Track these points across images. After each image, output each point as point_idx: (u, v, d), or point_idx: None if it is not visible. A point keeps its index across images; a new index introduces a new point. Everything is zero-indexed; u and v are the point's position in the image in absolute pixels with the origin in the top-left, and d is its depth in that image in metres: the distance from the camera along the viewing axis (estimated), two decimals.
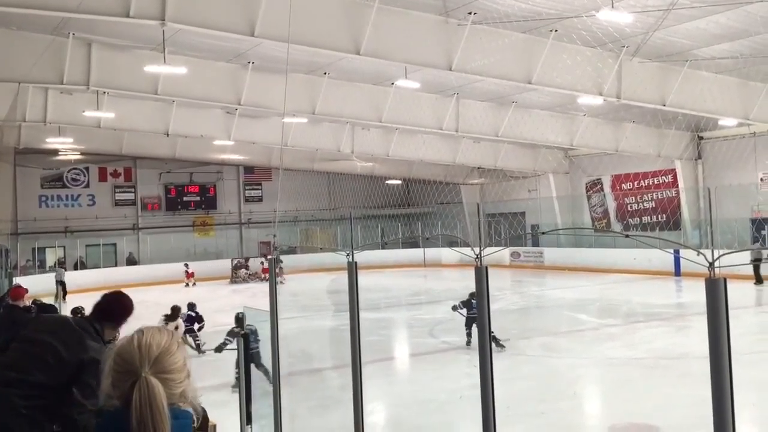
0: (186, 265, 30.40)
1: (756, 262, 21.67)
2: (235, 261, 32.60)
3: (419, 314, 19.22)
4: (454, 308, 13.99)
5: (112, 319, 3.53)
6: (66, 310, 22.81)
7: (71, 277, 26.58)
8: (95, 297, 3.65)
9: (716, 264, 1.83)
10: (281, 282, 27.18)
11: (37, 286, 21.39)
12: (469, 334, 13.26)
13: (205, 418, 5.17)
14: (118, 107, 20.80)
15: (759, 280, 21.97)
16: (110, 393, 1.67)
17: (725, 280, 1.85)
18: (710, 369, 1.95)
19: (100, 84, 17.04)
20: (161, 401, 1.61)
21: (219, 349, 9.42)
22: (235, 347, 15.33)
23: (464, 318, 13.44)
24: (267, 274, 26.04)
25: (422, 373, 12.32)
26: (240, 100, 18.93)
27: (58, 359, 3.26)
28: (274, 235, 33.27)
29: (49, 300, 21.36)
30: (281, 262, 27.48)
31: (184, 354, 1.75)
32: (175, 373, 1.69)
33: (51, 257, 32.00)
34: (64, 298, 24.73)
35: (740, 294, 19.76)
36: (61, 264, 28.69)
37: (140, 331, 1.74)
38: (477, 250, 2.73)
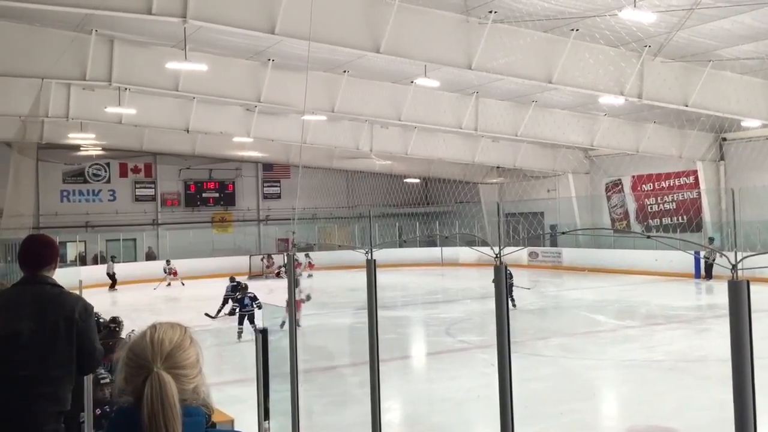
0: (167, 262, 29.05)
1: None
2: (261, 257, 32.44)
3: (436, 313, 19.19)
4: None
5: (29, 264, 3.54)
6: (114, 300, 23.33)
7: (89, 272, 26.90)
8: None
9: (739, 266, 1.81)
10: (310, 275, 27.44)
11: (58, 280, 21.59)
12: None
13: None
14: (140, 103, 20.96)
15: None
16: (123, 388, 1.67)
17: (748, 282, 1.83)
18: (732, 372, 1.93)
19: (122, 80, 17.19)
20: (173, 397, 1.60)
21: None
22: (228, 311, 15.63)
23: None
24: (285, 270, 25.99)
25: (439, 371, 12.31)
26: (260, 97, 19.02)
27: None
28: (293, 232, 33.36)
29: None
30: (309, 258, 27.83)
31: (197, 350, 1.75)
32: (188, 368, 1.69)
33: (72, 251, 32.35)
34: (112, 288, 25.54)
35: (763, 297, 19.54)
36: (112, 258, 29.09)
37: (153, 327, 1.74)
38: (496, 249, 2.72)
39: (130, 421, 1.62)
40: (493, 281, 10.97)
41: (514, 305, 18.37)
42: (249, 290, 14.61)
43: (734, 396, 1.88)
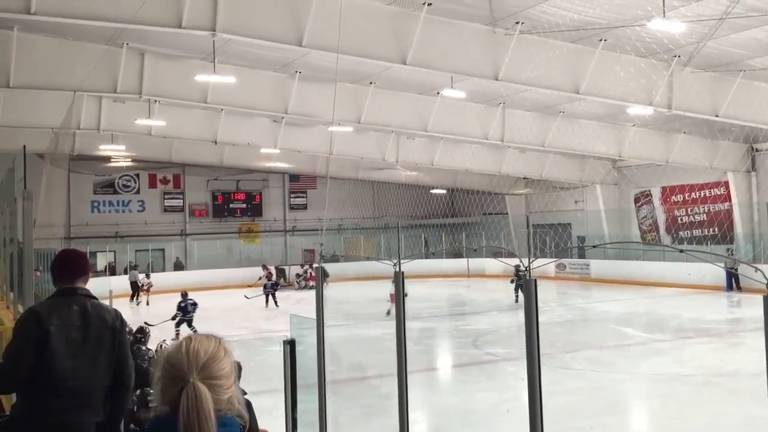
0: (147, 276, 27.70)
1: None
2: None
3: (463, 324, 19.10)
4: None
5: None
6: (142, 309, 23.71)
7: (118, 282, 27.22)
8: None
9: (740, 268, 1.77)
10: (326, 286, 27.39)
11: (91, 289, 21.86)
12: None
13: (251, 420, 5.21)
14: (169, 115, 21.25)
15: None
16: (160, 399, 1.69)
17: None
18: None
19: (152, 93, 17.45)
20: (208, 407, 1.63)
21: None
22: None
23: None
24: (310, 282, 26.22)
25: (466, 384, 12.23)
26: (287, 108, 19.17)
27: None
28: (321, 244, 33.49)
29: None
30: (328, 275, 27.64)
31: (231, 360, 1.77)
32: (223, 379, 1.71)
33: (102, 261, 32.80)
34: (136, 297, 25.69)
35: None
36: (133, 267, 29.38)
37: (188, 338, 1.78)
38: (525, 261, 2.71)
39: (166, 430, 1.64)
40: (512, 281, 11.59)
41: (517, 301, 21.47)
42: (189, 297, 17.39)
43: None
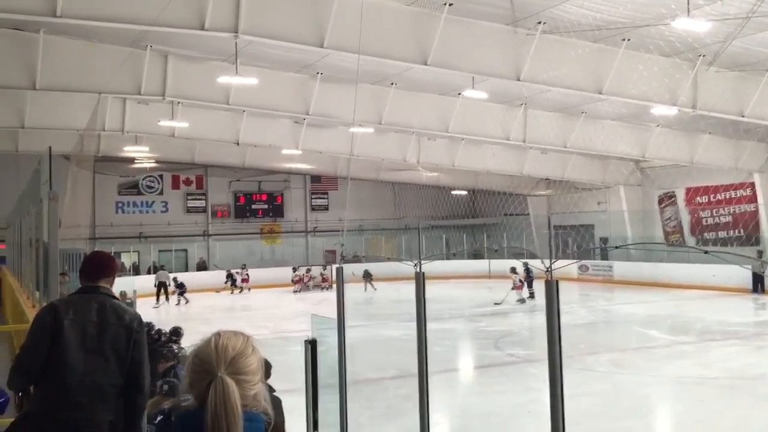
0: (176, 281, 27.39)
1: None
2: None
3: (484, 326, 19.02)
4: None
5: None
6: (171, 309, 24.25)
7: (143, 282, 27.50)
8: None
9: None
10: (375, 289, 27.60)
11: (114, 288, 22.10)
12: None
13: (279, 417, 5.25)
14: (192, 117, 21.43)
15: None
16: (188, 392, 1.72)
17: None
18: None
19: (175, 94, 17.61)
20: (236, 401, 1.65)
21: None
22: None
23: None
24: (327, 282, 26.40)
25: (487, 385, 12.17)
26: (308, 110, 19.24)
27: None
28: (342, 245, 33.56)
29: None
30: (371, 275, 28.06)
31: (258, 357, 1.80)
32: (250, 374, 1.74)
33: (126, 261, 33.15)
34: (167, 298, 26.01)
35: None
36: (161, 267, 29.80)
37: (217, 334, 1.80)
38: (547, 262, 2.69)
39: (193, 424, 1.66)
40: (521, 281, 11.55)
41: (532, 296, 22.97)
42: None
43: None
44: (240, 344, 1.77)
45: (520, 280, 22.90)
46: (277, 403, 5.24)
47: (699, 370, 12.49)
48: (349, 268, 28.50)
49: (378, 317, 20.31)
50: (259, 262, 34.76)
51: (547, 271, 2.46)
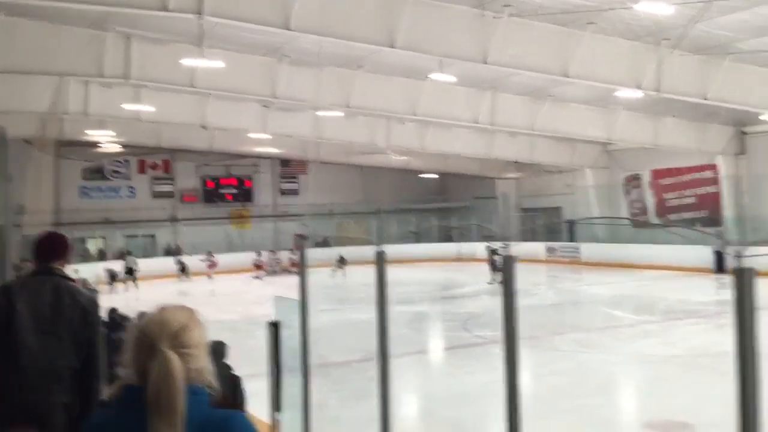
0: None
1: None
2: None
3: (453, 308, 19.17)
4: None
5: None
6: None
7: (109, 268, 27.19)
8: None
9: (746, 254, 1.80)
10: (344, 276, 27.34)
11: (79, 275, 21.86)
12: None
13: (237, 396, 5.23)
14: (157, 100, 21.11)
15: None
16: (130, 367, 1.71)
17: (753, 269, 1.81)
18: (737, 364, 1.91)
19: (140, 77, 17.30)
20: (178, 375, 1.64)
21: None
22: None
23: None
24: (297, 267, 26.33)
25: (455, 366, 12.31)
26: (275, 93, 19.06)
27: None
28: (305, 225, 33.47)
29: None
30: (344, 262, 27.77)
31: (203, 332, 1.78)
32: (194, 348, 1.72)
33: (92, 247, 32.71)
34: (135, 284, 25.78)
35: None
36: (129, 253, 29.46)
37: (161, 308, 1.79)
38: (503, 242, 2.71)
39: (135, 398, 1.65)
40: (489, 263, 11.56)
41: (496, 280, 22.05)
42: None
43: (738, 387, 1.87)
44: (184, 318, 1.76)
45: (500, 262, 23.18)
46: (236, 382, 5.25)
47: (663, 348, 12.76)
48: (319, 252, 28.64)
49: (348, 301, 20.37)
50: (229, 247, 34.52)
51: (503, 247, 2.48)
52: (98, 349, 3.53)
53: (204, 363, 1.75)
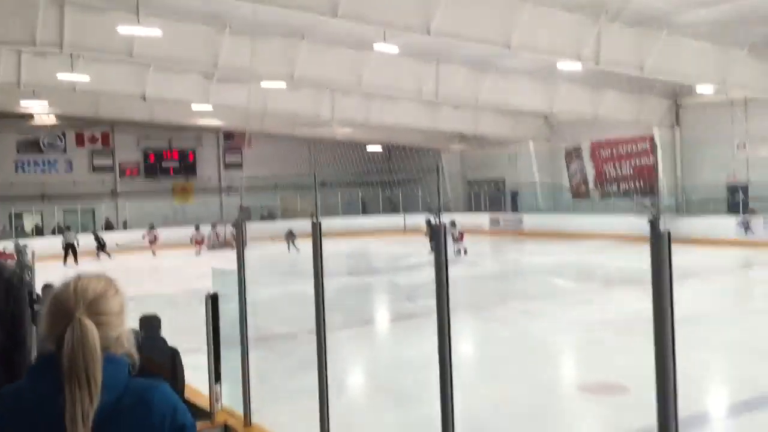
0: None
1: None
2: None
3: (398, 279, 19.33)
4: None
5: None
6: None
7: (46, 244, 26.48)
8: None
9: (661, 219, 1.87)
10: (298, 250, 26.26)
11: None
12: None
13: (176, 368, 5.19)
14: (94, 70, 20.46)
15: None
16: (46, 336, 1.68)
17: (669, 233, 1.89)
18: (653, 325, 2.00)
19: (74, 46, 16.73)
20: (94, 342, 1.62)
21: None
22: None
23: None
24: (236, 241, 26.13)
25: (399, 336, 12.45)
26: (217, 63, 18.69)
27: None
28: (241, 197, 33.10)
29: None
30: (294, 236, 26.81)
31: (121, 300, 1.76)
32: (111, 316, 1.70)
33: (28, 223, 31.75)
34: (75, 260, 25.01)
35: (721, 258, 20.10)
36: (68, 228, 28.59)
37: (77, 276, 1.76)
38: (436, 214, 2.75)
39: (49, 365, 1.63)
40: (426, 234, 11.58)
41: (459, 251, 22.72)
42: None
43: (655, 346, 1.95)
44: (101, 286, 1.73)
45: (460, 232, 23.41)
46: (174, 354, 5.23)
47: (600, 314, 13.14)
48: (265, 226, 28.36)
49: (295, 274, 20.29)
50: (172, 222, 33.94)
51: (435, 215, 2.52)
52: (25, 323, 3.45)
53: (122, 332, 1.73)
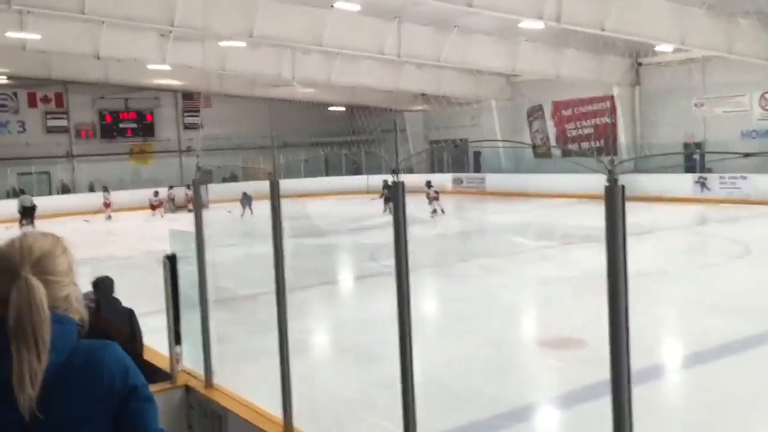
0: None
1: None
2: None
3: (361, 239, 19.38)
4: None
5: None
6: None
7: (1, 206, 25.88)
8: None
9: (617, 171, 1.89)
10: (252, 213, 25.87)
11: None
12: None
13: (132, 326, 5.15)
14: (45, 28, 19.76)
15: None
16: None
17: (623, 187, 1.90)
18: (607, 278, 2.03)
19: (23, 2, 16.13)
20: (41, 301, 1.58)
21: None
22: None
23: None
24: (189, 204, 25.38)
25: (363, 295, 12.54)
26: (173, 21, 18.20)
27: None
28: (197, 156, 32.60)
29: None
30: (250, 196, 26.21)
31: (69, 259, 1.72)
32: (59, 275, 1.66)
33: None
34: (32, 223, 24.34)
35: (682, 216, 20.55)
36: (23, 191, 27.79)
37: (23, 235, 1.71)
38: (393, 175, 2.73)
39: None
40: (380, 196, 11.71)
41: (436, 210, 23.01)
42: None
43: (609, 303, 1.98)
44: (47, 245, 1.69)
45: (435, 192, 23.49)
46: (130, 315, 5.19)
47: (559, 271, 13.39)
48: (227, 188, 28.01)
49: (255, 235, 20.20)
50: (130, 184, 33.36)
51: (393, 172, 2.50)
52: None
53: (71, 292, 1.69)
